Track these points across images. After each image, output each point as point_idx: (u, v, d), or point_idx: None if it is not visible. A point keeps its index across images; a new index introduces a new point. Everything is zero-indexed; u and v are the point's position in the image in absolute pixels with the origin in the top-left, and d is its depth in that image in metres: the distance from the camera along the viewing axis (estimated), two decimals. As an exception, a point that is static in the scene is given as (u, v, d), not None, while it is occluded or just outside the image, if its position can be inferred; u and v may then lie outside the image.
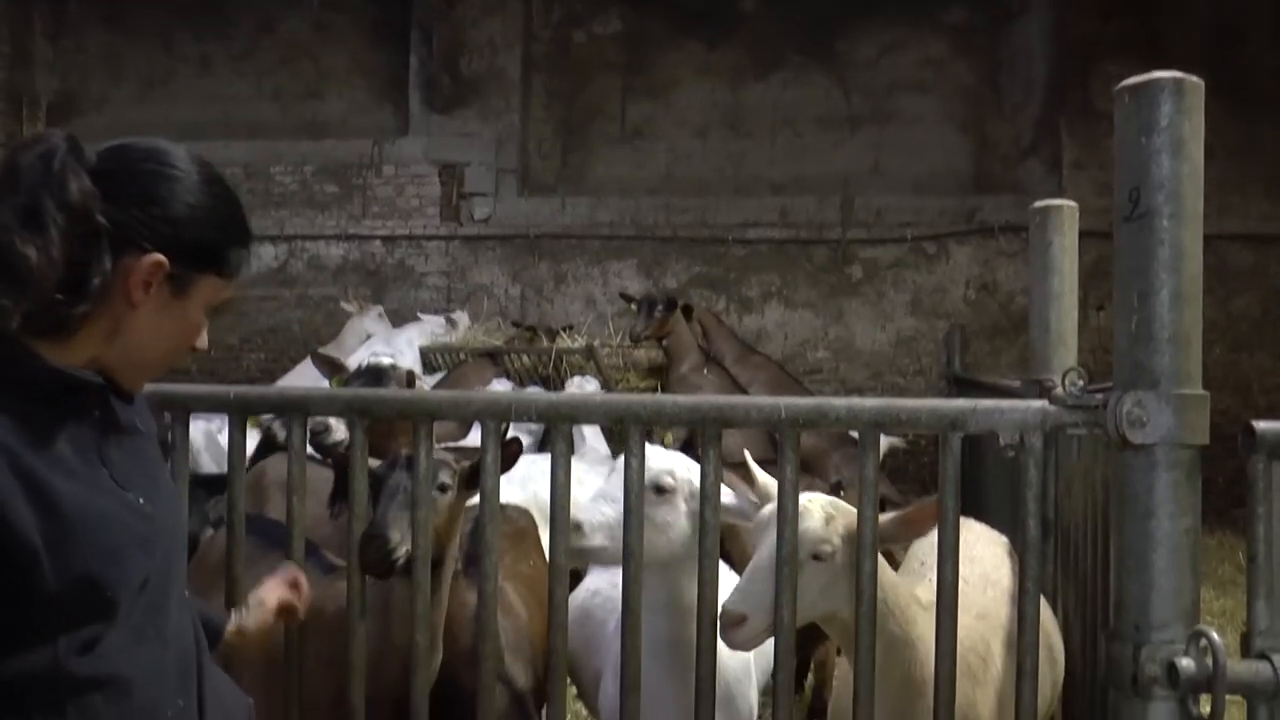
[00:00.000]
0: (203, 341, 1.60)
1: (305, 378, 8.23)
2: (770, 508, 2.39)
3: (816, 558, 2.34)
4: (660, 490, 2.66)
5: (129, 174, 1.47)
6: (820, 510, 2.37)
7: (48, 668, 1.40)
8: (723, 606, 2.26)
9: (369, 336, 9.10)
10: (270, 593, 2.06)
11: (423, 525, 2.34)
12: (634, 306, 8.18)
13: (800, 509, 2.33)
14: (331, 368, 4.49)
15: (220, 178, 1.57)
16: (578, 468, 2.69)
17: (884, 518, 2.35)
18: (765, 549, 2.33)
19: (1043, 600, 2.84)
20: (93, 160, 1.45)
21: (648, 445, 2.92)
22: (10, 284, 1.35)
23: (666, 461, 2.72)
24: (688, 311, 8.41)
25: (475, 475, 2.42)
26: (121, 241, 1.43)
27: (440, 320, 9.12)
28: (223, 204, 1.54)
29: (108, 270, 1.41)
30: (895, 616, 2.40)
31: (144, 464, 1.59)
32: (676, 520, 2.62)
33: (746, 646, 2.34)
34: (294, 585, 2.09)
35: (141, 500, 1.52)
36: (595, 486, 2.83)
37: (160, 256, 1.45)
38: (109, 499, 1.47)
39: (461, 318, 9.23)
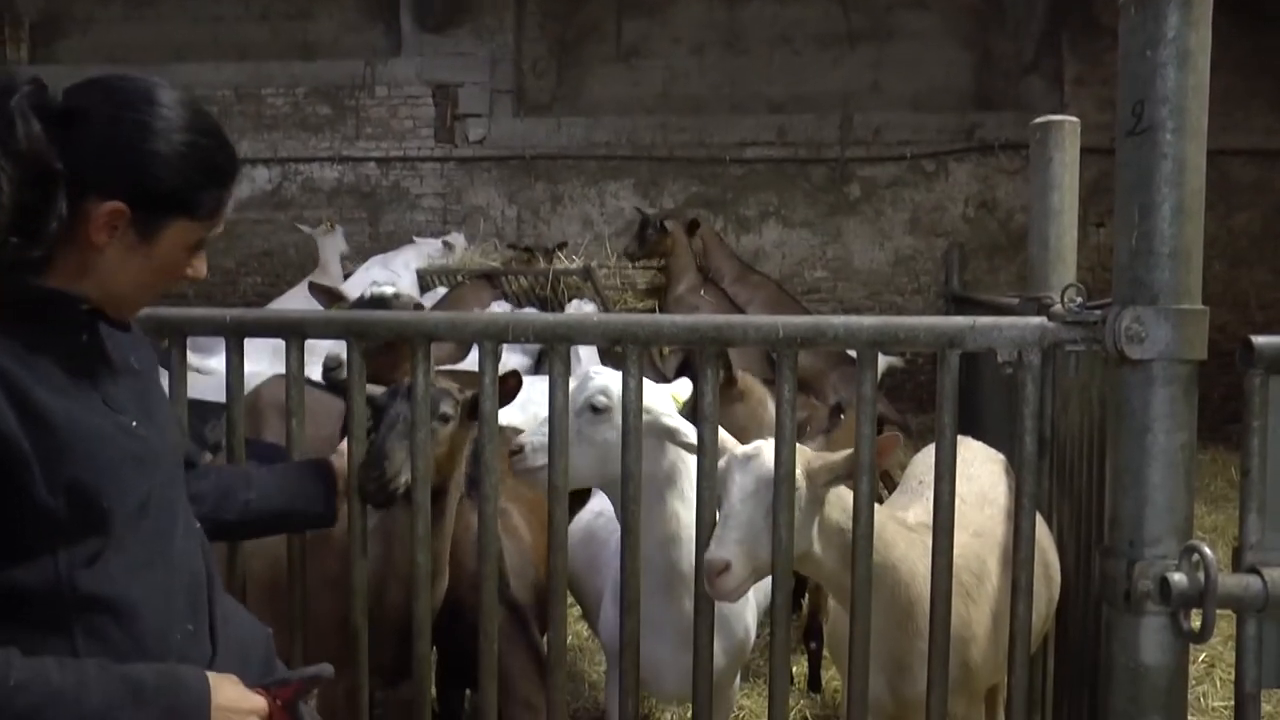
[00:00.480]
0: (198, 271, 1.59)
1: (300, 301, 8.25)
2: (727, 457, 2.36)
3: None
4: (595, 409, 2.67)
5: (95, 118, 1.44)
6: (772, 450, 2.34)
7: (50, 581, 1.42)
8: (705, 559, 2.25)
9: (344, 255, 9.03)
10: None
11: (421, 448, 2.35)
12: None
13: (754, 452, 2.33)
14: (330, 297, 4.46)
15: (199, 118, 1.52)
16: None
17: (836, 456, 2.34)
18: (734, 494, 2.30)
19: (1039, 518, 2.87)
20: (57, 100, 1.43)
21: (597, 364, 2.92)
22: None
23: (602, 380, 2.72)
24: (694, 227, 8.37)
25: (478, 405, 2.44)
26: (81, 186, 1.42)
27: (437, 244, 9.06)
28: (193, 149, 1.50)
29: (63, 214, 1.41)
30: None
31: (140, 397, 1.60)
32: (616, 439, 2.55)
33: (734, 596, 2.29)
34: None
35: (134, 424, 1.54)
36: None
37: (118, 204, 1.44)
38: (100, 418, 1.48)
39: (458, 240, 9.17)
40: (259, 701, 1.59)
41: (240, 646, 1.74)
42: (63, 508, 1.41)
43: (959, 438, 3.25)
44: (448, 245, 9.02)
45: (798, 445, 2.38)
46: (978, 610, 2.52)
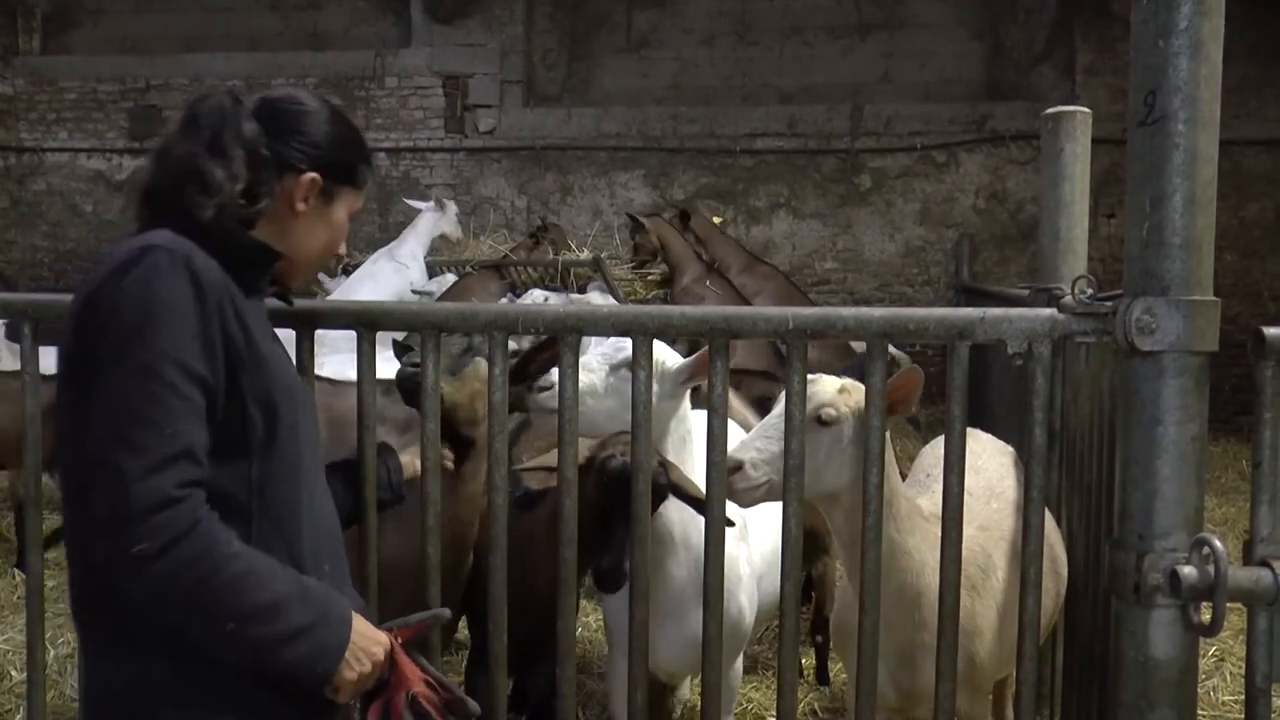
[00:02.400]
0: (342, 248, 2.00)
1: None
2: None
3: (822, 421, 2.38)
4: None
5: (280, 114, 1.85)
6: (834, 381, 2.44)
7: (244, 486, 1.69)
8: (729, 454, 2.32)
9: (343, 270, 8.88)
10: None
11: (432, 440, 2.35)
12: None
13: (814, 378, 2.40)
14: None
15: (340, 111, 1.96)
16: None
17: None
18: (775, 410, 2.39)
19: (1047, 512, 2.85)
20: (251, 106, 1.84)
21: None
22: (202, 190, 1.74)
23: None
24: (685, 218, 8.35)
25: (521, 366, 2.61)
26: (283, 165, 1.82)
27: (430, 204, 8.80)
28: (349, 130, 1.94)
29: (275, 188, 1.82)
30: (895, 522, 2.42)
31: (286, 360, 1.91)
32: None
33: (745, 498, 2.37)
34: None
35: (292, 369, 1.88)
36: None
37: (314, 174, 1.85)
38: (281, 357, 1.82)
39: (450, 205, 8.96)
40: (383, 637, 1.80)
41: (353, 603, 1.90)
42: (258, 418, 1.70)
43: (969, 430, 3.24)
44: (439, 204, 8.80)
45: (860, 385, 2.39)
46: (983, 604, 2.52)
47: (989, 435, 3.24)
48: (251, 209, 1.79)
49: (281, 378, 1.77)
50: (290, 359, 1.92)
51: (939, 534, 2.48)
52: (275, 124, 1.84)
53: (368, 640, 1.75)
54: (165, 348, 1.59)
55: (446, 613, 1.99)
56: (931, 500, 2.73)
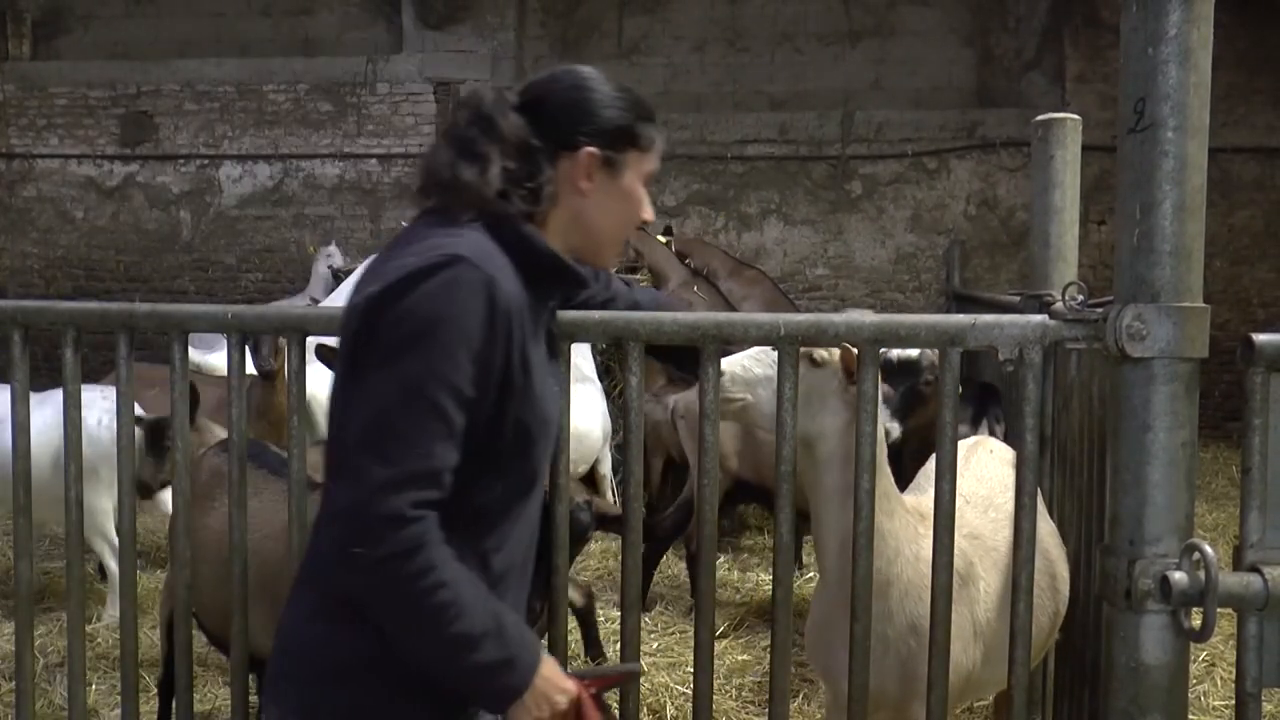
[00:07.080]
0: (648, 212, 1.90)
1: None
2: None
3: (812, 360, 2.40)
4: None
5: (544, 98, 1.80)
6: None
7: (470, 491, 1.66)
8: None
9: (334, 275, 9.10)
10: None
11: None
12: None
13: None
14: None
15: (602, 76, 1.85)
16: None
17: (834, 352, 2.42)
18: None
19: (1053, 529, 2.81)
20: (516, 100, 1.80)
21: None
22: (452, 197, 1.74)
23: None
24: (667, 232, 8.41)
25: None
26: (557, 149, 1.77)
27: None
28: (623, 93, 1.83)
29: (552, 175, 1.77)
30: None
31: (553, 363, 1.91)
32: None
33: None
34: None
35: (556, 389, 1.86)
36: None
37: (591, 148, 1.78)
38: (546, 374, 1.78)
39: None
40: (570, 685, 1.72)
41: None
42: (512, 445, 1.69)
43: (983, 438, 3.22)
44: None
45: (847, 346, 2.39)
46: (956, 614, 2.48)
47: (1003, 445, 3.18)
48: (532, 206, 1.76)
49: (544, 411, 1.74)
50: (559, 391, 1.94)
51: (918, 529, 2.47)
52: (541, 108, 1.79)
53: (552, 687, 1.69)
54: (441, 367, 1.57)
55: (641, 667, 1.91)
56: (923, 500, 2.71)
